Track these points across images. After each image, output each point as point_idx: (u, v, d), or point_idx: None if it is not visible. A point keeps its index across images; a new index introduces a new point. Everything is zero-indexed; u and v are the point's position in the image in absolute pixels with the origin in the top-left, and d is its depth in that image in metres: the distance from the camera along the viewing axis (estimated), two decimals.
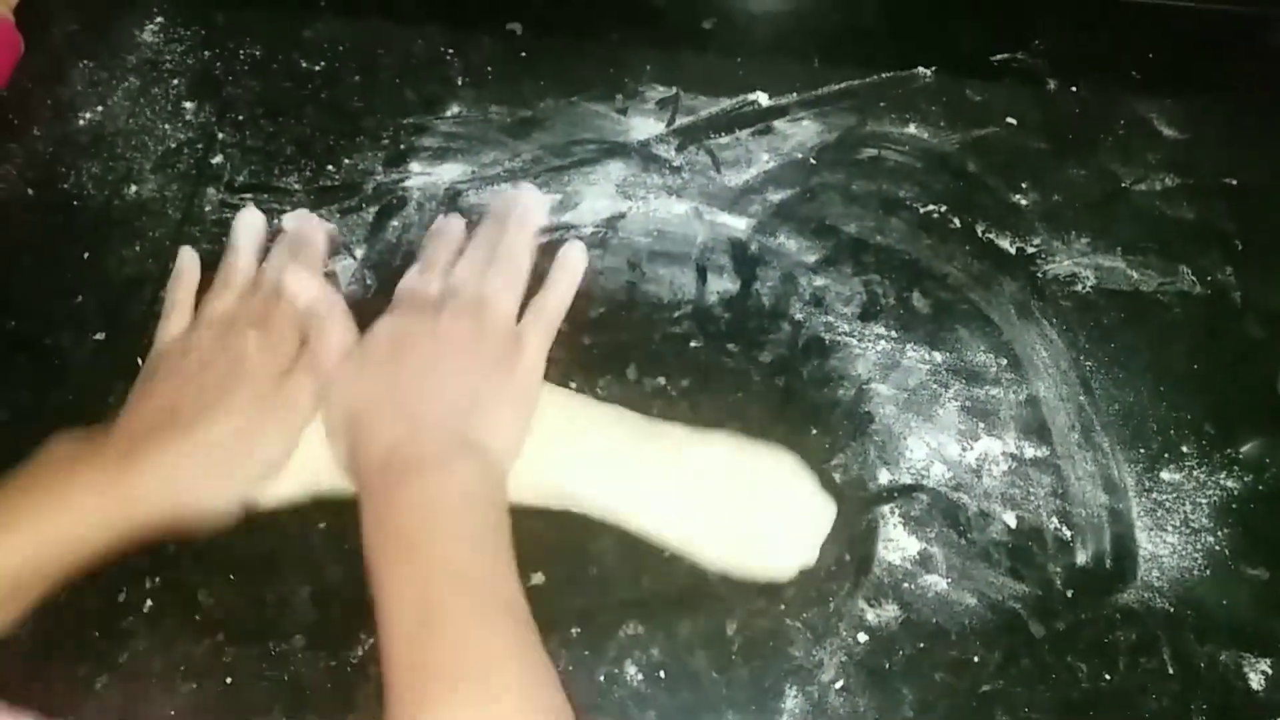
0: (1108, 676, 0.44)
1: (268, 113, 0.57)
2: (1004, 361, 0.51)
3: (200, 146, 0.56)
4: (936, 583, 0.46)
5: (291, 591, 0.45)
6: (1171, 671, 0.44)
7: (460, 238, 0.49)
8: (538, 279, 0.48)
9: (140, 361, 0.50)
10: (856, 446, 0.49)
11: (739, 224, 0.54)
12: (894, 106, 0.58)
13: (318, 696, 0.43)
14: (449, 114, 0.57)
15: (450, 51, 0.59)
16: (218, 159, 0.56)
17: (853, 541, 0.46)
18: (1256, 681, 0.44)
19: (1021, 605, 0.45)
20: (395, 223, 0.54)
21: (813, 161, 0.56)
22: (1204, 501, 0.48)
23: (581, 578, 0.45)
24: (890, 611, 0.45)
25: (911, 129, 0.57)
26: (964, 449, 0.49)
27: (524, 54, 0.59)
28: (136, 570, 0.45)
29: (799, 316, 0.52)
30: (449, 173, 0.56)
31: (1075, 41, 0.60)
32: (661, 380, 0.50)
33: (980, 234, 0.54)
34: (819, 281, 0.53)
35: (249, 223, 0.50)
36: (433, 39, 0.60)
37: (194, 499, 0.41)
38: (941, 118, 0.58)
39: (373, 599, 0.37)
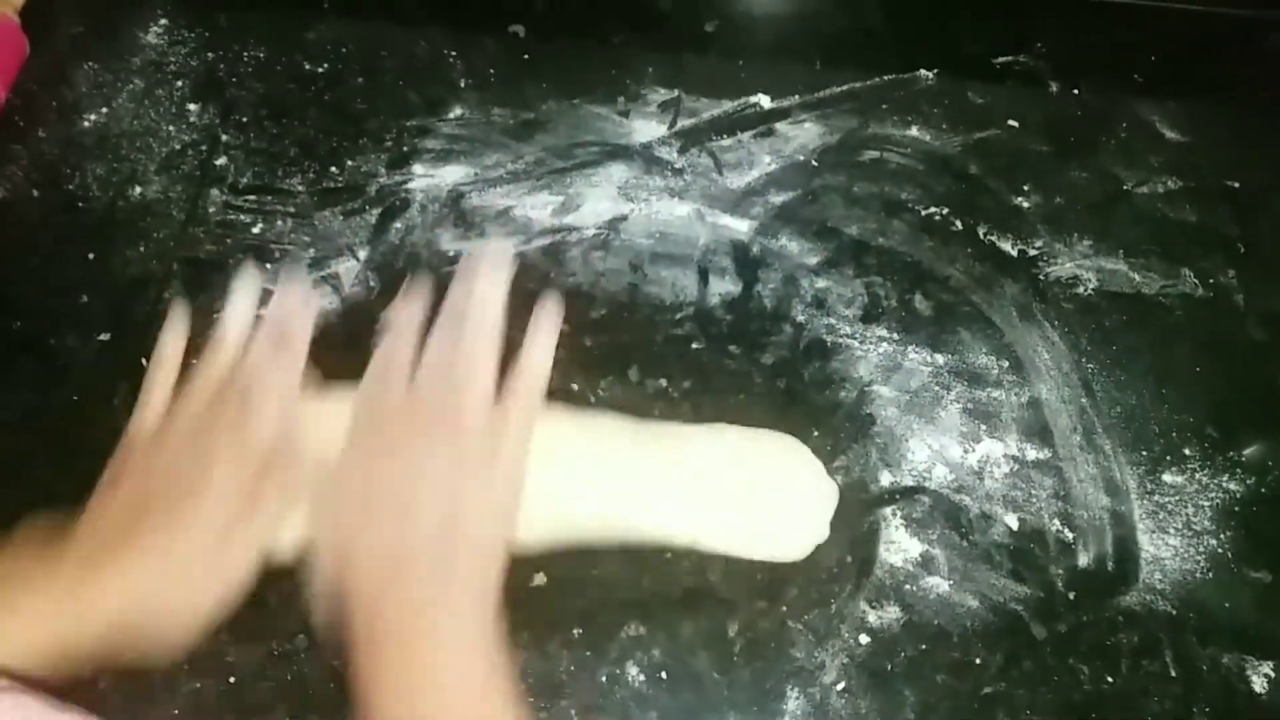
0: (1110, 679, 0.44)
1: (271, 114, 0.57)
2: (1006, 364, 0.51)
3: (204, 148, 0.56)
4: (938, 584, 0.46)
5: (294, 591, 0.45)
6: (1174, 674, 0.44)
7: (423, 307, 0.45)
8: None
9: (144, 362, 0.50)
10: (858, 448, 0.49)
11: (741, 226, 0.54)
12: (896, 109, 0.58)
13: (321, 697, 0.43)
14: (452, 116, 0.57)
15: (453, 54, 0.60)
16: (221, 160, 0.56)
17: (854, 543, 0.46)
18: (1259, 684, 0.44)
19: (1023, 607, 0.45)
20: (398, 224, 0.54)
21: (814, 164, 0.56)
22: (1206, 504, 0.48)
23: (583, 578, 0.45)
24: (892, 613, 0.45)
25: (913, 131, 0.57)
26: (966, 451, 0.49)
27: (526, 56, 0.60)
28: None
29: (801, 318, 0.52)
30: (452, 174, 0.56)
31: (1077, 44, 0.60)
32: (663, 382, 0.50)
33: (982, 236, 0.54)
34: (821, 283, 0.53)
35: (239, 310, 0.46)
36: (435, 41, 0.60)
37: (151, 620, 0.38)
38: (943, 120, 0.58)
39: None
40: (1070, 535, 0.47)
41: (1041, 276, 0.53)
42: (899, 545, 0.47)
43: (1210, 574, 0.46)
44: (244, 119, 0.57)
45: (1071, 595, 0.46)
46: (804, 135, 0.57)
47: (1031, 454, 0.49)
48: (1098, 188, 0.56)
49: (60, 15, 0.60)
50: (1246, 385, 0.51)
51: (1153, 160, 0.57)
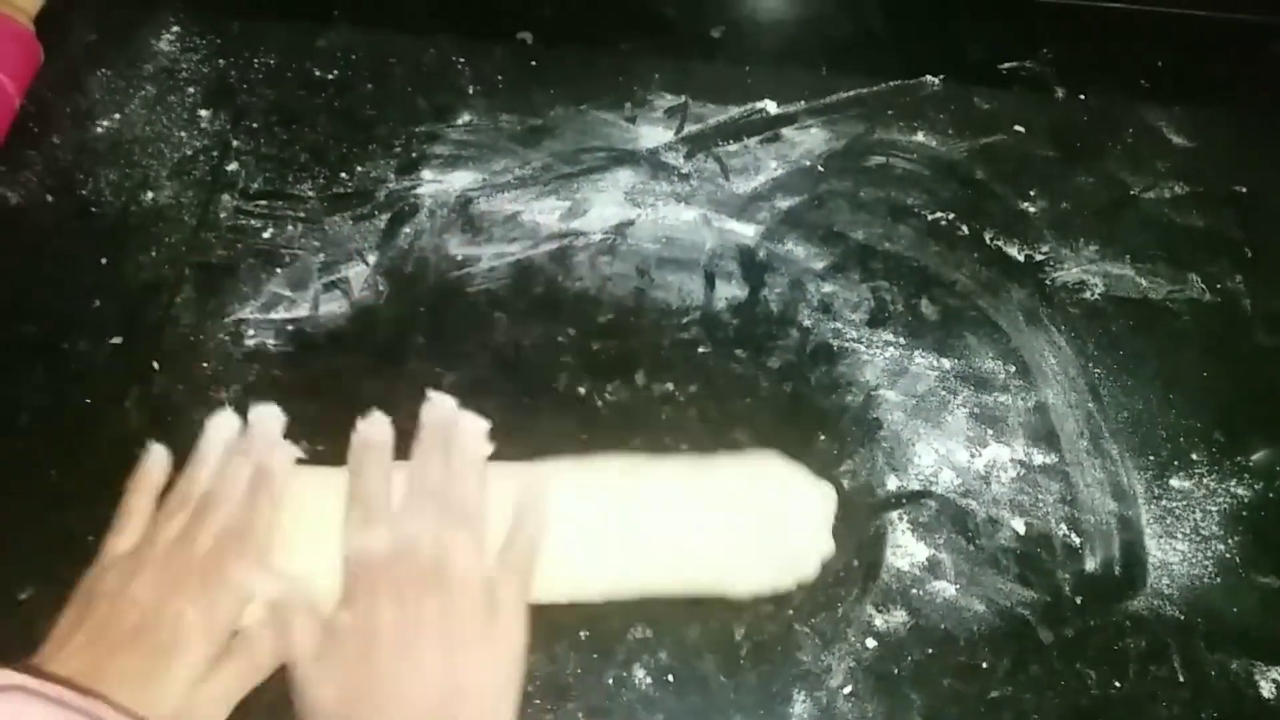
0: (1117, 684, 0.44)
1: (282, 120, 0.58)
2: (1012, 368, 0.51)
3: (215, 154, 0.57)
4: (945, 589, 0.46)
5: None
6: (1182, 679, 0.44)
7: (388, 460, 0.43)
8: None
9: (156, 366, 0.50)
10: (865, 453, 0.49)
11: (747, 231, 0.55)
12: (902, 114, 0.58)
13: None
14: (460, 122, 0.58)
15: (461, 60, 0.60)
16: (233, 166, 0.56)
17: (861, 547, 0.46)
18: (1268, 690, 0.44)
19: (1030, 612, 0.45)
20: (407, 229, 0.55)
21: (821, 169, 0.57)
22: (1214, 509, 0.48)
23: None
24: (899, 617, 0.45)
25: (920, 136, 0.58)
26: (972, 455, 0.49)
27: (534, 63, 0.60)
28: None
29: (807, 323, 0.52)
30: (460, 180, 0.56)
31: (1083, 50, 0.61)
32: (670, 386, 0.50)
33: (988, 241, 0.55)
34: (827, 288, 0.53)
35: (217, 434, 0.45)
36: (444, 48, 0.60)
37: None
38: (950, 125, 0.58)
39: None
40: (1077, 540, 0.47)
41: (1048, 281, 0.53)
42: (905, 549, 0.47)
43: (1218, 579, 0.46)
44: (255, 125, 0.58)
45: (1079, 600, 0.46)
46: (810, 140, 0.57)
47: (1038, 458, 0.49)
48: (1104, 193, 0.56)
49: (74, 23, 0.61)
50: (1254, 390, 0.51)
51: (1159, 165, 0.57)
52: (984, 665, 0.44)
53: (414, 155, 0.57)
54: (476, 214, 0.55)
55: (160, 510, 0.43)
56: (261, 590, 0.40)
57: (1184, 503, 0.48)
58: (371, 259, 0.54)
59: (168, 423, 0.48)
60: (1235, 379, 0.51)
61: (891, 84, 0.59)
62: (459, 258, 0.54)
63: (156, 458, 0.45)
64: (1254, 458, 0.49)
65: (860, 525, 0.47)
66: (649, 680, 0.44)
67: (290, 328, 0.52)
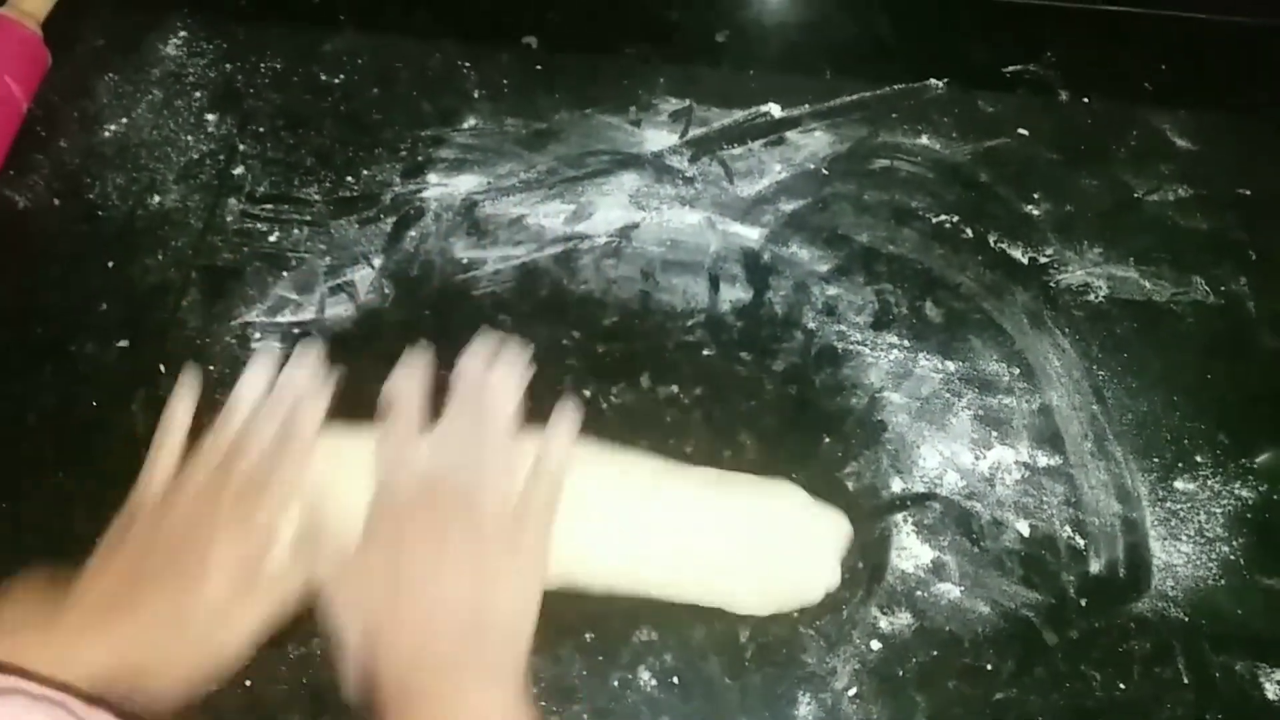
0: (1122, 685, 0.44)
1: (288, 125, 0.58)
2: (1017, 371, 0.51)
3: (222, 158, 0.57)
4: (950, 591, 0.46)
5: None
6: (1186, 681, 0.44)
7: (424, 387, 0.44)
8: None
9: (162, 369, 0.50)
10: (869, 455, 0.49)
11: (751, 234, 0.55)
12: (906, 117, 0.58)
13: (336, 700, 0.43)
14: (465, 126, 0.58)
15: (467, 65, 0.60)
16: (239, 170, 0.57)
17: (866, 549, 0.46)
18: (1272, 691, 0.44)
19: (1035, 613, 0.45)
20: (413, 233, 0.55)
21: (825, 172, 0.57)
22: (1218, 511, 0.48)
23: None
24: (903, 619, 0.45)
25: (923, 140, 0.58)
26: (977, 458, 0.49)
27: (539, 67, 0.60)
28: None
29: (811, 325, 0.52)
30: (465, 184, 0.56)
31: (1087, 53, 0.61)
32: (674, 388, 0.50)
33: (993, 244, 0.55)
34: (831, 291, 0.53)
35: (252, 381, 0.45)
36: (449, 53, 0.61)
37: (142, 681, 0.38)
38: (953, 128, 0.58)
39: None
40: (1082, 542, 0.47)
41: (1052, 284, 0.54)
42: (910, 551, 0.47)
43: (1222, 581, 0.46)
44: (261, 129, 0.58)
45: (1083, 602, 0.46)
46: (814, 144, 0.58)
47: (1043, 461, 0.49)
48: (1108, 195, 0.56)
49: (82, 28, 0.61)
50: (1258, 392, 0.51)
51: (1163, 168, 0.57)
52: (989, 667, 0.44)
53: (419, 159, 0.57)
54: (482, 217, 0.55)
55: (194, 456, 0.43)
56: (288, 533, 0.41)
57: (1188, 505, 0.48)
58: (377, 262, 0.54)
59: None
60: (1239, 381, 0.51)
61: (895, 87, 0.59)
62: (464, 261, 0.54)
63: (184, 399, 0.45)
64: (1258, 460, 0.49)
65: (865, 527, 0.47)
66: (654, 682, 0.44)
67: (296, 331, 0.52)
